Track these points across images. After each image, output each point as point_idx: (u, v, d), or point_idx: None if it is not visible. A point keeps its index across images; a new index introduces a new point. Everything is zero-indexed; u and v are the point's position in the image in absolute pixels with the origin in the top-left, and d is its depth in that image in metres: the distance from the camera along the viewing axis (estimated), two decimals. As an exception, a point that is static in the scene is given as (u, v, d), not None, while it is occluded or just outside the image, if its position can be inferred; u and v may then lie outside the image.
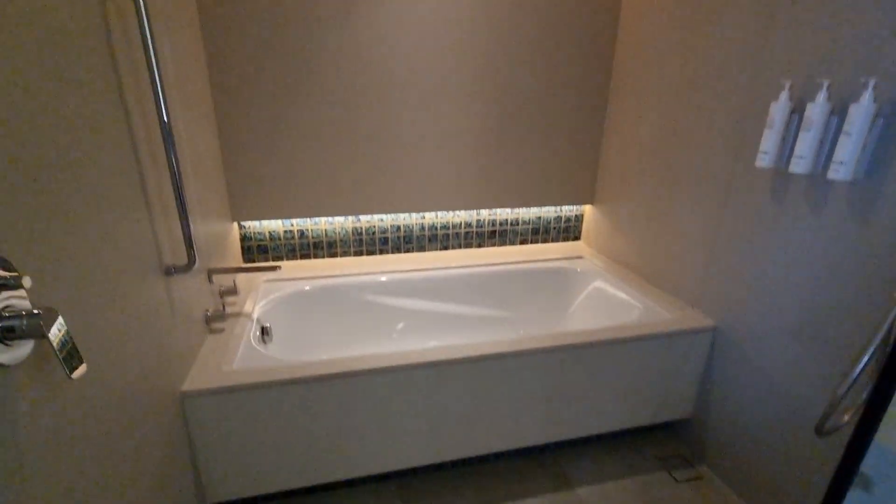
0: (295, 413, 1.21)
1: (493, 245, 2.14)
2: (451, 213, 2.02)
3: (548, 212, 2.15)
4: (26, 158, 0.62)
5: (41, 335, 0.54)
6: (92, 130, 0.79)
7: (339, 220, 1.90)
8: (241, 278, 1.74)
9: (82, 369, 0.58)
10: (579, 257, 2.07)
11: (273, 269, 1.52)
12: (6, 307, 0.53)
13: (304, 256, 1.92)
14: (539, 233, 2.18)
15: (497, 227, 2.11)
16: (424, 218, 2.00)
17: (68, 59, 0.73)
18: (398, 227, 1.98)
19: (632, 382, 1.49)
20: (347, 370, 1.21)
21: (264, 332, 1.50)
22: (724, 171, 1.40)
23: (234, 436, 1.19)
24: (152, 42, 0.92)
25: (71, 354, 0.57)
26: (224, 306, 1.48)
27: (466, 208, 2.01)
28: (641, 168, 1.77)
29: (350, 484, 1.45)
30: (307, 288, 1.75)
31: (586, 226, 2.21)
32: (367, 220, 1.94)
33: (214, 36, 1.53)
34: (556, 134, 1.97)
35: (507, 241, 2.15)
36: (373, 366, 1.23)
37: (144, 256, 0.96)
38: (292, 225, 1.86)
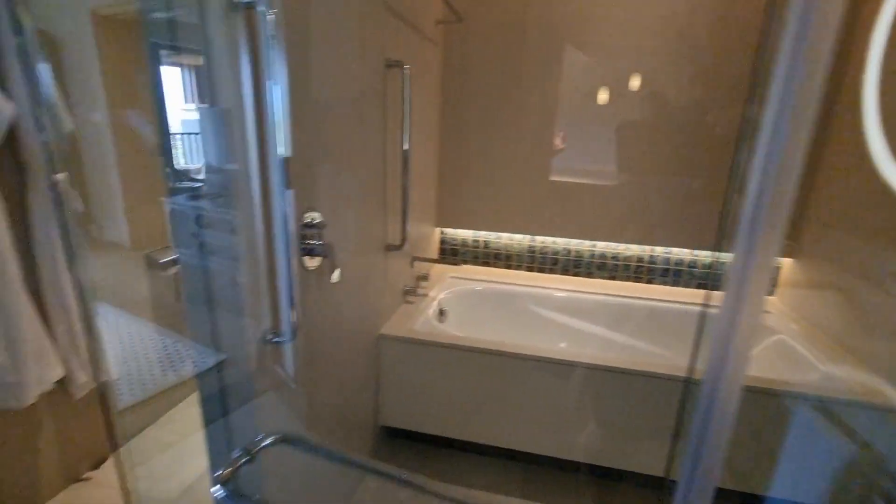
0: (453, 373, 1.55)
1: (665, 284, 2.13)
2: (622, 245, 2.12)
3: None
4: (337, 160, 1.11)
5: (326, 256, 0.99)
6: (365, 151, 1.29)
7: (517, 237, 2.22)
8: (434, 271, 2.21)
9: (336, 275, 1.02)
10: (768, 312, 1.90)
11: (457, 264, 1.93)
12: (313, 238, 1.00)
13: (484, 264, 2.29)
14: (718, 278, 2.07)
15: (671, 266, 2.11)
16: (596, 246, 2.15)
17: (363, 106, 1.24)
18: (568, 251, 2.19)
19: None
20: (503, 350, 1.50)
21: (442, 312, 1.90)
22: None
23: (406, 378, 1.60)
24: (409, 95, 1.41)
25: (333, 268, 1.02)
26: (417, 288, 1.95)
27: (636, 242, 2.08)
28: (867, 206, 1.57)
29: (481, 452, 1.71)
30: (479, 288, 2.11)
31: (783, 280, 1.99)
32: (541, 241, 2.20)
33: (449, 86, 2.06)
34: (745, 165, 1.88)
35: (681, 282, 2.11)
36: (523, 352, 1.48)
37: (377, 237, 1.45)
38: (479, 236, 2.26)
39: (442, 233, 2.31)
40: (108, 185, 0.92)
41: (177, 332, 1.08)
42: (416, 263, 1.95)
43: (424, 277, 1.97)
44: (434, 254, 2.29)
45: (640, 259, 2.13)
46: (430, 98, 1.92)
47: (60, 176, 0.78)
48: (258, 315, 0.84)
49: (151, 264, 1.75)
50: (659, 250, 2.10)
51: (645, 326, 1.99)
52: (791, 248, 1.91)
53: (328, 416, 1.25)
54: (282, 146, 0.77)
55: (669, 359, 1.94)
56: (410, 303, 1.83)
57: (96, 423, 1.61)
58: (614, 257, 2.15)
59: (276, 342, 0.86)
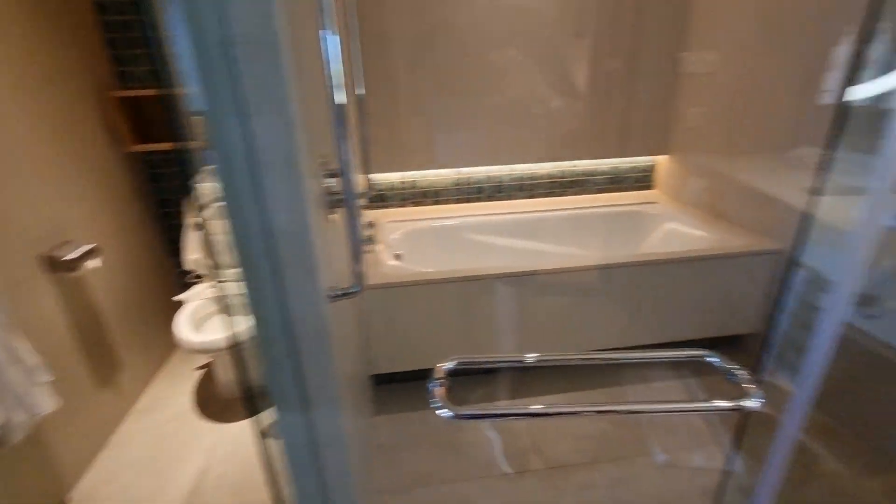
0: (435, 307, 1.61)
1: (574, 194, 2.42)
2: (537, 165, 2.33)
3: (624, 163, 2.40)
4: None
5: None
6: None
7: (444, 172, 2.27)
8: (373, 217, 2.16)
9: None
10: (653, 202, 2.32)
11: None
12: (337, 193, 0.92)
13: (414, 204, 2.31)
14: (615, 182, 2.43)
15: (577, 178, 2.39)
16: (513, 170, 2.32)
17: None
18: (489, 178, 2.32)
19: (701, 299, 1.76)
20: (471, 275, 1.59)
21: (398, 256, 1.91)
22: (791, 110, 1.61)
23: (390, 323, 1.61)
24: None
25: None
26: (369, 236, 1.90)
27: (551, 160, 2.31)
28: (715, 115, 1.98)
29: (467, 374, 1.85)
30: (422, 227, 2.15)
31: (660, 175, 2.43)
32: (465, 172, 2.29)
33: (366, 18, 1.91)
34: (633, 87, 2.20)
35: (587, 190, 2.43)
36: (487, 272, 1.60)
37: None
38: (407, 177, 2.25)
39: (368, 179, 2.23)
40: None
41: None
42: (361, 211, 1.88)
43: (371, 225, 1.93)
44: (362, 200, 2.22)
45: (551, 175, 2.37)
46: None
47: None
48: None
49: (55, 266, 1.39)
50: (565, 165, 2.36)
51: (567, 233, 2.27)
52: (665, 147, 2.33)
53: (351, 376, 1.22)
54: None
55: (587, 256, 2.28)
56: (368, 252, 1.79)
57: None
58: (531, 177, 2.35)
59: (349, 293, 0.82)
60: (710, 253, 1.70)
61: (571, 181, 2.40)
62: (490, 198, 2.36)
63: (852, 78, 1.32)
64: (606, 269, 1.68)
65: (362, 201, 2.05)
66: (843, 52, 1.37)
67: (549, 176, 2.37)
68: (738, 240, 1.79)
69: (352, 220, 0.79)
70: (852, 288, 0.63)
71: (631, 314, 1.75)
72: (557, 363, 0.87)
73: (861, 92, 0.99)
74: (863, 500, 1.32)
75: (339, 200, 0.91)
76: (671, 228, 2.15)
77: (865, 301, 1.16)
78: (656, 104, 2.24)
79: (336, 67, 0.69)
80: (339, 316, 0.91)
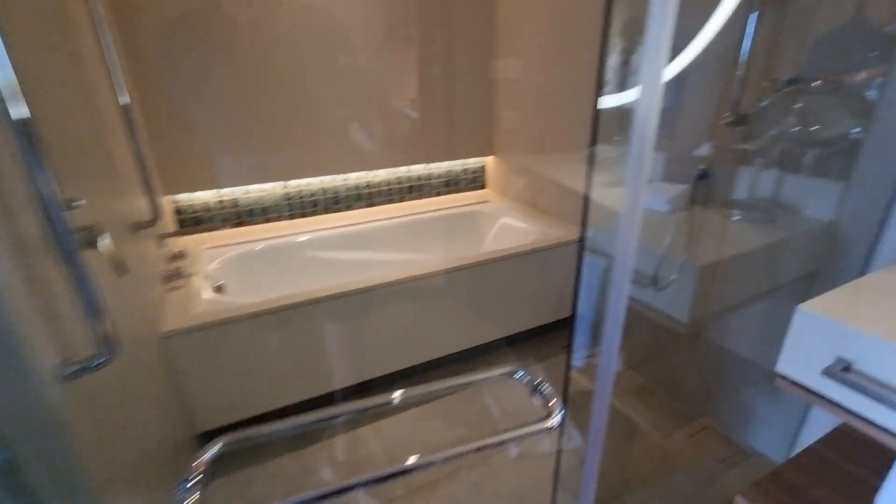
0: (264, 341, 1.43)
1: (414, 199, 2.42)
2: (373, 172, 2.26)
3: (456, 165, 2.47)
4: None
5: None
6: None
7: (268, 186, 2.06)
8: (183, 245, 1.85)
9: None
10: (486, 201, 2.44)
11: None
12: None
13: (240, 224, 2.05)
14: (450, 185, 2.50)
15: (415, 183, 2.40)
16: (348, 179, 2.22)
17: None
18: (325, 190, 2.19)
19: (535, 288, 1.89)
20: (292, 302, 1.44)
21: (219, 288, 1.66)
22: (581, 112, 1.81)
23: (213, 369, 1.38)
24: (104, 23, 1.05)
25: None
26: (178, 269, 1.61)
27: (387, 166, 2.26)
28: (526, 118, 2.15)
29: (315, 405, 1.70)
30: (249, 250, 1.91)
31: (490, 174, 2.57)
32: (295, 185, 2.11)
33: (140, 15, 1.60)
34: (455, 93, 2.28)
35: (425, 194, 2.45)
36: (320, 294, 1.48)
37: (122, 214, 1.11)
38: (224, 195, 1.99)
39: (174, 201, 1.91)
40: None
41: None
42: (165, 241, 1.59)
43: (181, 256, 1.64)
44: (171, 226, 1.90)
45: (389, 182, 2.33)
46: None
47: None
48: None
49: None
50: (402, 170, 2.34)
51: (408, 239, 2.26)
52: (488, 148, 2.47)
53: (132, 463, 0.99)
54: None
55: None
56: (177, 288, 1.52)
57: None
58: (368, 185, 2.28)
59: (95, 366, 0.63)
60: (533, 247, 1.83)
61: (409, 186, 2.39)
62: (327, 210, 2.22)
63: (605, 83, 1.56)
64: (449, 273, 1.69)
65: (169, 228, 1.75)
66: (612, 61, 1.57)
67: (388, 182, 2.33)
68: (557, 231, 1.97)
69: (75, 269, 0.60)
70: (629, 265, 0.68)
71: (476, 313, 1.79)
72: (355, 415, 0.81)
73: (613, 97, 1.11)
74: (672, 447, 1.54)
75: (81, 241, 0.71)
76: (504, 224, 2.28)
77: (653, 280, 1.34)
78: (477, 108, 2.36)
79: (6, 75, 0.51)
80: (97, 394, 0.71)
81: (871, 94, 0.98)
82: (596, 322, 1.80)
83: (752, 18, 1.09)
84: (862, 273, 1.04)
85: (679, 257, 1.14)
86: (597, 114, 0.88)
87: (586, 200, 0.83)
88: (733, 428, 1.54)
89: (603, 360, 0.67)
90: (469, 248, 2.35)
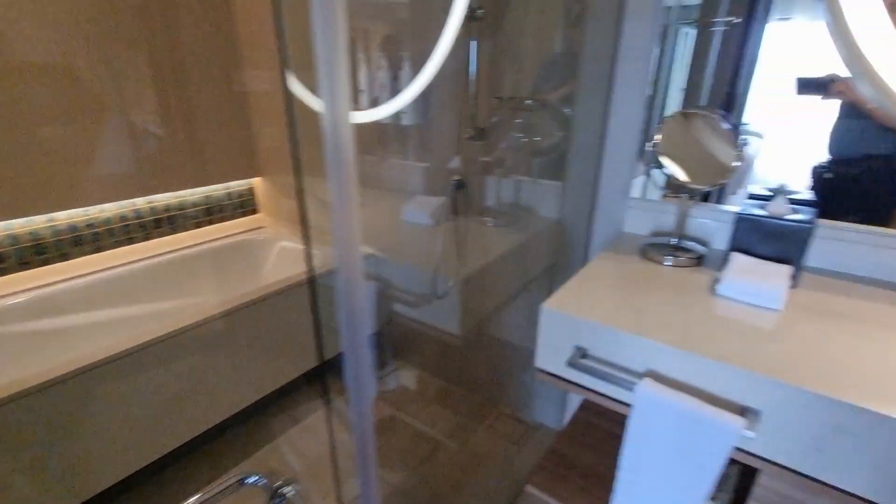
0: None
1: (164, 235, 1.99)
2: (96, 208, 1.76)
3: (216, 190, 2.14)
4: None
5: None
6: None
7: None
8: None
9: None
10: (261, 227, 2.18)
11: None
12: None
13: None
14: (213, 213, 2.15)
15: (162, 215, 1.97)
16: (55, 220, 1.68)
17: None
18: (16, 238, 1.60)
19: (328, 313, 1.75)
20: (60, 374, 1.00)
21: None
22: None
23: None
24: None
25: None
26: None
27: (116, 199, 1.79)
28: (284, 134, 1.99)
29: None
30: None
31: (260, 198, 2.31)
32: (-40, 238, 1.49)
33: None
34: (199, 107, 1.95)
35: (181, 227, 2.04)
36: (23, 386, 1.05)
37: None
38: None
39: None
40: None
41: None
42: None
43: None
44: None
45: (124, 217, 1.86)
46: None
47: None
48: None
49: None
50: (140, 202, 1.90)
51: (164, 284, 1.85)
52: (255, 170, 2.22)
53: None
54: None
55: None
56: None
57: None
58: (90, 224, 1.77)
59: None
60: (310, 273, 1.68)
61: (156, 220, 1.95)
62: (25, 265, 1.64)
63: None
64: (226, 315, 1.41)
65: None
66: (383, 76, 1.55)
67: (122, 218, 1.85)
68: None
69: None
70: (357, 272, 0.59)
71: (266, 353, 1.55)
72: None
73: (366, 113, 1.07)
74: (476, 443, 1.61)
75: None
76: (283, 249, 2.07)
77: (427, 298, 1.36)
78: (230, 125, 2.08)
79: None
80: None
81: (567, 110, 1.17)
82: (380, 343, 1.77)
83: (474, 45, 1.19)
84: (584, 262, 1.24)
85: (450, 268, 1.17)
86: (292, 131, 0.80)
87: (304, 222, 0.74)
88: (520, 408, 1.71)
89: (349, 362, 0.51)
90: (250, 283, 2.06)
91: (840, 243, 0.90)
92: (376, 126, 1.52)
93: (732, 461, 0.68)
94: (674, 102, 1.04)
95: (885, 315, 0.77)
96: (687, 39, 1.02)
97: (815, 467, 0.62)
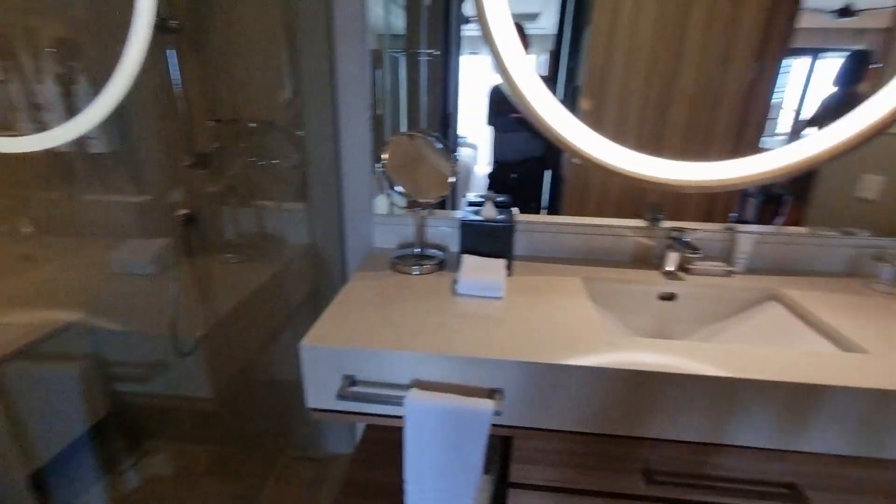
0: None
1: None
2: None
3: None
4: None
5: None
6: None
7: None
8: None
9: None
10: None
11: None
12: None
13: None
14: None
15: None
16: None
17: None
18: None
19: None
20: None
21: None
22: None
23: None
24: None
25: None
26: None
27: None
28: None
29: None
30: None
31: None
32: None
33: None
34: None
35: None
36: None
37: None
38: None
39: None
40: None
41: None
42: None
43: None
44: None
45: None
46: None
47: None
48: None
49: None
50: None
51: None
52: None
53: None
54: None
55: None
56: None
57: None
58: None
59: None
60: None
61: None
62: None
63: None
64: None
65: None
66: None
67: None
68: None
69: None
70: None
71: None
72: None
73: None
74: (267, 497, 1.42)
75: None
76: None
77: (156, 366, 1.12)
78: None
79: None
80: None
81: (300, 132, 1.13)
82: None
83: (172, 56, 1.02)
84: (344, 282, 1.23)
85: (194, 319, 0.98)
86: None
87: None
88: (309, 445, 1.60)
89: None
90: None
91: (532, 234, 1.14)
92: (51, 155, 1.17)
93: (492, 435, 0.77)
94: (405, 123, 1.13)
95: (561, 284, 1.00)
96: (402, 66, 1.12)
97: (548, 421, 0.76)
